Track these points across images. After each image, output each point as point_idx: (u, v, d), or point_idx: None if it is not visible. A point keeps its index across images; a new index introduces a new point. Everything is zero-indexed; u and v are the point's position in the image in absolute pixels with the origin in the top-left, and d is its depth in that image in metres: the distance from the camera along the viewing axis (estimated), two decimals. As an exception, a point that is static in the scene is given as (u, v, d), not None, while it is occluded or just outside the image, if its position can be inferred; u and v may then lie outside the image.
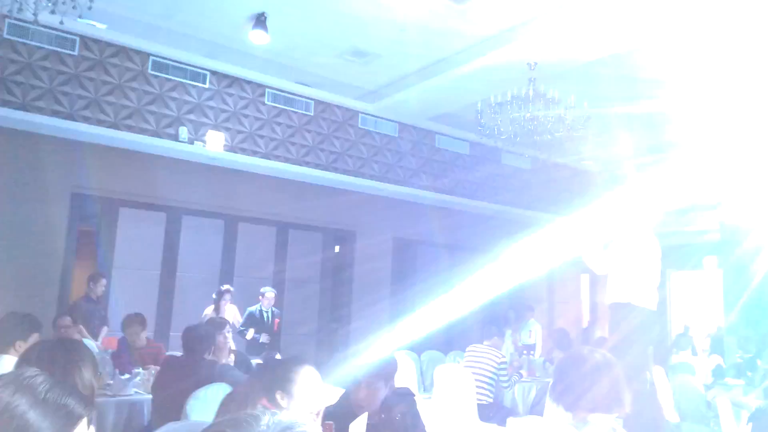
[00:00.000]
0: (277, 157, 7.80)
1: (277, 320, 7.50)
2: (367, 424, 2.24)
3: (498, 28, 6.87)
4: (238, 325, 7.12)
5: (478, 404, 5.14)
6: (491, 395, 5.38)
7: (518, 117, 6.73)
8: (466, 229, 10.16)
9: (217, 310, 6.95)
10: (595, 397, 1.98)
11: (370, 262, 9.11)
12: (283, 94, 7.94)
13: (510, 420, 5.15)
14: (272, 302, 7.42)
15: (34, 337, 2.94)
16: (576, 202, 11.23)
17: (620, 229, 4.11)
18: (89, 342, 5.68)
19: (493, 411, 5.31)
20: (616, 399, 2.01)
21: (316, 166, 8.12)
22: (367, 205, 9.10)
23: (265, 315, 7.33)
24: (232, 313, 7.14)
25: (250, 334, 7.12)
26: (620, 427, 2.12)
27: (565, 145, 7.32)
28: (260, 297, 7.46)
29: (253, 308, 7.32)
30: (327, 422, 1.79)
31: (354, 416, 1.80)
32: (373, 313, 9.01)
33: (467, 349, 5.79)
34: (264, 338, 7.07)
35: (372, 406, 2.27)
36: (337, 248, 9.39)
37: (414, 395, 2.66)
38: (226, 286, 7.25)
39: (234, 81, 7.62)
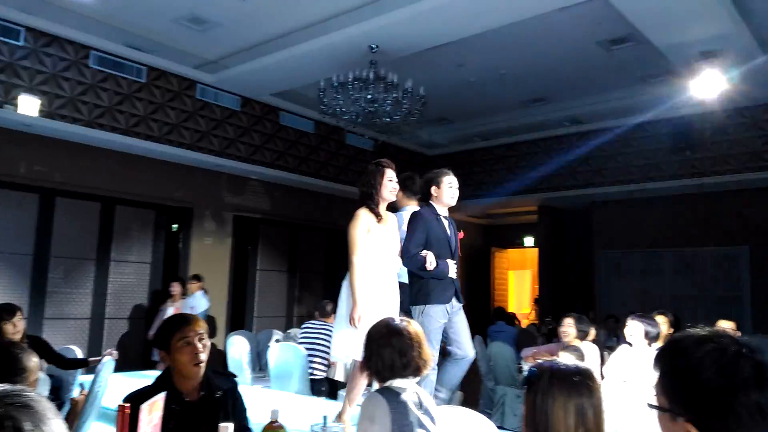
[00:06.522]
0: (102, 126, 7.18)
1: (461, 233, 4.10)
2: (182, 402, 2.20)
3: (341, 7, 6.90)
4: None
5: (311, 379, 5.23)
6: (325, 369, 5.49)
7: (359, 98, 6.85)
8: (310, 207, 10.19)
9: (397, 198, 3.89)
10: (381, 363, 2.13)
11: (208, 240, 8.80)
12: (110, 57, 7.31)
13: (341, 392, 5.32)
14: (453, 199, 3.91)
15: None
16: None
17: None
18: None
19: (325, 385, 5.43)
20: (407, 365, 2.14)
21: (148, 137, 7.61)
22: (205, 181, 8.75)
23: (444, 222, 3.90)
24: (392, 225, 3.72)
25: (431, 259, 3.61)
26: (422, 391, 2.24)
27: (402, 129, 7.60)
28: (434, 188, 3.88)
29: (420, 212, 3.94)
30: (124, 404, 1.70)
31: (149, 397, 1.74)
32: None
33: (303, 325, 5.86)
34: (452, 268, 3.74)
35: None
36: (175, 226, 8.91)
37: (236, 375, 2.63)
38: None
39: (53, 40, 6.87)
